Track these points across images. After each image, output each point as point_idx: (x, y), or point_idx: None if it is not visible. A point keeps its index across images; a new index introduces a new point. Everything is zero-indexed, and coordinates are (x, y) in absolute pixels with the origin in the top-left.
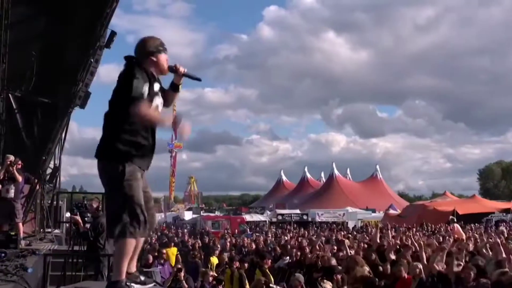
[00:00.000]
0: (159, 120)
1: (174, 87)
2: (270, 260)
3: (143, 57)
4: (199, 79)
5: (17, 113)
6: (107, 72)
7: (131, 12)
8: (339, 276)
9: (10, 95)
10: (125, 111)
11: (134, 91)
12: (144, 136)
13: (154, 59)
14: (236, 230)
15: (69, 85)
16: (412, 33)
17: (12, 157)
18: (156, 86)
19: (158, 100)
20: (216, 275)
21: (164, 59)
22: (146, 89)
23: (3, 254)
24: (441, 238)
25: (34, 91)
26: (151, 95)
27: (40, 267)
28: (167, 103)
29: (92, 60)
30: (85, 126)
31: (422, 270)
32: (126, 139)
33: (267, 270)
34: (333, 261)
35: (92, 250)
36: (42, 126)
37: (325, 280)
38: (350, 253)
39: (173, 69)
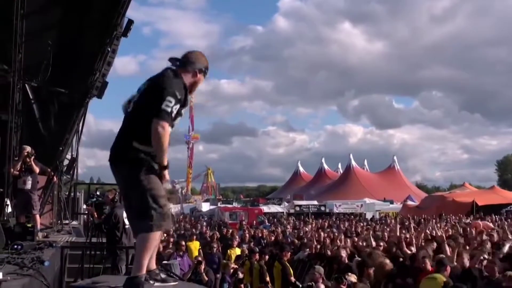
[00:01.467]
0: (165, 149)
1: None
2: (289, 253)
3: (189, 68)
4: None
5: (34, 103)
6: (123, 64)
7: (147, 4)
8: (371, 270)
9: (26, 85)
10: (147, 121)
11: (165, 107)
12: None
13: (197, 77)
14: (254, 222)
15: (86, 75)
16: (428, 24)
17: (29, 148)
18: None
19: (178, 120)
20: (237, 267)
21: (201, 81)
22: (175, 109)
23: (19, 247)
24: (461, 230)
25: (50, 81)
26: (179, 113)
27: (57, 259)
28: None
29: (109, 49)
30: (101, 118)
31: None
32: (142, 149)
33: (286, 262)
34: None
35: (108, 243)
36: (59, 116)
37: (349, 273)
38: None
39: None
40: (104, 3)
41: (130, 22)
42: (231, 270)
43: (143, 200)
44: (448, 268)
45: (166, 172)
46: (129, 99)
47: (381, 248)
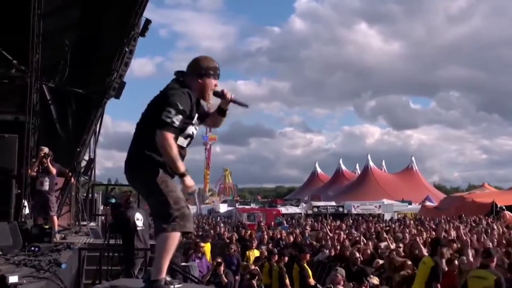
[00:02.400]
0: (174, 161)
1: (221, 112)
2: (309, 255)
3: (191, 76)
4: (246, 106)
5: (51, 104)
6: (140, 66)
7: (163, 6)
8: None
9: (43, 86)
10: (152, 132)
11: (165, 117)
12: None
13: (200, 81)
14: (272, 223)
15: (103, 75)
16: (445, 24)
17: (46, 149)
18: (195, 115)
19: (191, 129)
20: (257, 269)
21: (210, 84)
22: (178, 119)
23: (36, 249)
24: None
25: (68, 81)
26: (187, 123)
27: (75, 261)
28: (214, 125)
29: (126, 49)
30: (119, 119)
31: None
32: (155, 156)
33: (305, 265)
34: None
35: (124, 245)
36: (76, 117)
37: (371, 276)
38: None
39: (220, 95)
40: (122, 3)
41: (148, 21)
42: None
43: (162, 203)
44: (495, 259)
45: (186, 179)
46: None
47: (401, 249)
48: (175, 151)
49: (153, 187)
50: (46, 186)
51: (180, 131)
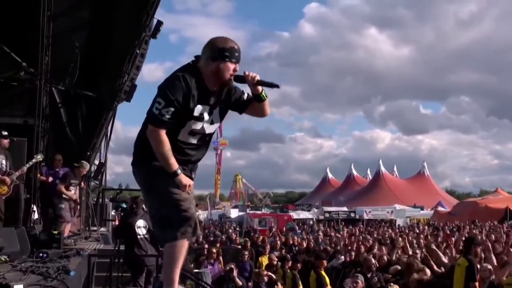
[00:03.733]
0: (164, 158)
1: (256, 98)
2: (326, 261)
3: (205, 59)
4: (277, 86)
5: (61, 107)
6: (150, 71)
7: (173, 12)
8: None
9: (53, 89)
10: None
11: (154, 109)
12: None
13: (214, 65)
14: (284, 228)
15: (114, 78)
16: (455, 29)
17: (40, 157)
18: (205, 108)
19: (198, 124)
20: (272, 275)
21: (227, 68)
22: (169, 112)
23: (45, 255)
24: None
25: (78, 84)
26: (187, 116)
27: (85, 268)
28: (258, 114)
29: (137, 51)
30: (129, 125)
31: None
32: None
33: (323, 272)
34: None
35: (125, 252)
36: (86, 120)
37: (392, 284)
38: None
39: (241, 79)
40: (133, 4)
41: (159, 23)
42: (266, 278)
43: (161, 205)
44: None
45: (179, 178)
46: None
47: (418, 255)
48: (165, 147)
49: (152, 184)
50: None
51: (180, 125)
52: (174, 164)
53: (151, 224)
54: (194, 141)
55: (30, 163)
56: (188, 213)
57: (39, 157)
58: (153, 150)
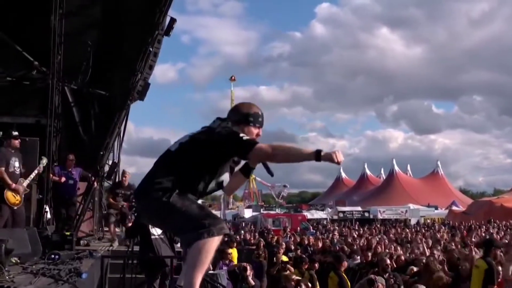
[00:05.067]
0: (301, 151)
1: (246, 171)
2: (346, 263)
3: (231, 122)
4: (271, 174)
5: (73, 106)
6: (162, 71)
7: (185, 13)
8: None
9: (65, 88)
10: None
11: (243, 137)
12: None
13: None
14: (298, 228)
15: (127, 76)
16: (467, 28)
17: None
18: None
19: (226, 176)
20: (299, 278)
21: (250, 133)
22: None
23: (56, 257)
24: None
25: (90, 83)
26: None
27: (97, 269)
28: (235, 185)
29: (150, 49)
30: (141, 125)
31: None
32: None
33: (343, 274)
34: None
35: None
36: (99, 119)
37: (417, 285)
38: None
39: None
40: (145, 1)
41: (173, 20)
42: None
43: (187, 216)
44: None
45: (328, 152)
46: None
47: (436, 255)
48: (287, 146)
49: (170, 206)
50: None
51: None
52: (308, 149)
53: None
54: (220, 179)
55: (36, 171)
56: (212, 214)
57: (44, 161)
58: (279, 156)
